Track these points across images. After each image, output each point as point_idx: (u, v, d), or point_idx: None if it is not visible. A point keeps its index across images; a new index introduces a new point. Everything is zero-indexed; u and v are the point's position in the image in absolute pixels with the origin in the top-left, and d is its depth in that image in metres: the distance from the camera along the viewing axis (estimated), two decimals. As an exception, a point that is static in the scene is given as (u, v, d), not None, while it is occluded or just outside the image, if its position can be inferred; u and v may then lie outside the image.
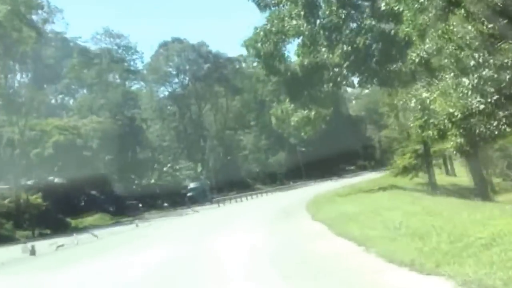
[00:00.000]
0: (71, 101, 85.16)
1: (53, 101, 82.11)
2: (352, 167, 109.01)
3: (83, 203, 56.50)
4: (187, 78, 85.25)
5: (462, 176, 46.01)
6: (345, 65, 31.30)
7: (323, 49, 31.68)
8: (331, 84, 32.99)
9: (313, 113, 33.89)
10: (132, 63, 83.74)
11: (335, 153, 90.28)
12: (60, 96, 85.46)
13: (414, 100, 21.10)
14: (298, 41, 33.44)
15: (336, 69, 31.87)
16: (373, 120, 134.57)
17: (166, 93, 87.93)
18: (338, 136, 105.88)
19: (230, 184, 72.52)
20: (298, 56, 33.37)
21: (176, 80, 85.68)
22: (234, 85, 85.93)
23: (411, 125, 27.76)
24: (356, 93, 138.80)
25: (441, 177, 46.46)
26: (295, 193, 52.67)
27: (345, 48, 30.72)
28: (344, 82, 34.91)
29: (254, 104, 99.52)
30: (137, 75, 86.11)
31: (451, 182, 45.99)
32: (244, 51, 44.78)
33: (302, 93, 33.01)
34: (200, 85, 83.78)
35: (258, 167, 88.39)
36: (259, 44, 32.63)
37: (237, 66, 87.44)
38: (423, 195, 25.45)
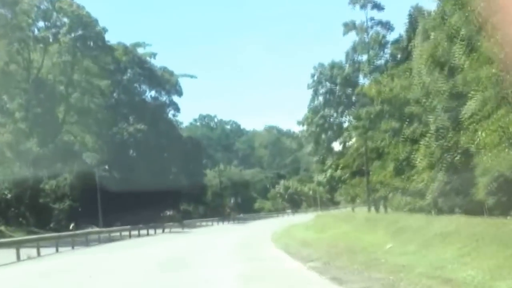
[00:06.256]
0: None
1: None
2: (170, 212, 68.89)
3: None
4: None
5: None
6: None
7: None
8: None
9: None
10: None
11: (153, 187, 54.12)
12: None
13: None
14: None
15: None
16: (216, 148, 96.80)
17: None
18: (161, 162, 66.17)
19: None
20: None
21: None
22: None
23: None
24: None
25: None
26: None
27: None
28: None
29: (28, 83, 54.60)
30: None
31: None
32: None
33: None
34: None
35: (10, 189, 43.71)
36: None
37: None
38: None
